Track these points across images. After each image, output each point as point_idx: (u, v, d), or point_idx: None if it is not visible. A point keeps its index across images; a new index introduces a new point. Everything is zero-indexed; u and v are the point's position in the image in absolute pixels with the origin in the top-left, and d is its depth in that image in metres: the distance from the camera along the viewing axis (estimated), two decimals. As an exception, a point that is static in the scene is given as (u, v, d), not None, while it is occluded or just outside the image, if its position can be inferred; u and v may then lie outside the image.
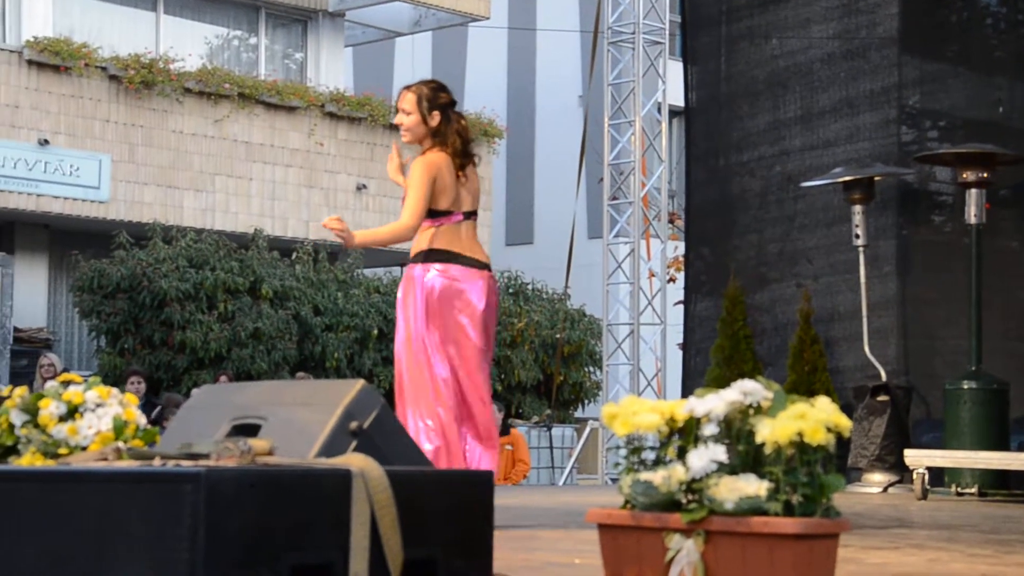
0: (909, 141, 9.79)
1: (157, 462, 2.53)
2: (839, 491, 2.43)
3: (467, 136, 5.39)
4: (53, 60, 15.07)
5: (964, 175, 8.49)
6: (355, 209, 16.87)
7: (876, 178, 9.18)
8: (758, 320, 10.01)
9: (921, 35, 9.76)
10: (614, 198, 13.33)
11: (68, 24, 16.14)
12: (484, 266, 5.38)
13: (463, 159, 5.33)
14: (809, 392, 8.33)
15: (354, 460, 2.57)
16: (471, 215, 5.38)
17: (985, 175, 8.42)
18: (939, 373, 8.98)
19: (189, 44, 16.96)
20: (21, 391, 2.89)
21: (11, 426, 2.85)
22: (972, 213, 8.44)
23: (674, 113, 15.04)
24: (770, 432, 2.37)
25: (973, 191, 8.44)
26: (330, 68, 18.27)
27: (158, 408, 11.44)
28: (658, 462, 2.50)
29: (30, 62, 15.05)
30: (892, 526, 5.72)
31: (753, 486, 2.37)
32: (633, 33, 13.11)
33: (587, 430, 13.96)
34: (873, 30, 9.79)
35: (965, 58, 9.65)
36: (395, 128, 5.64)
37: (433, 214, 5.30)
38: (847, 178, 9.14)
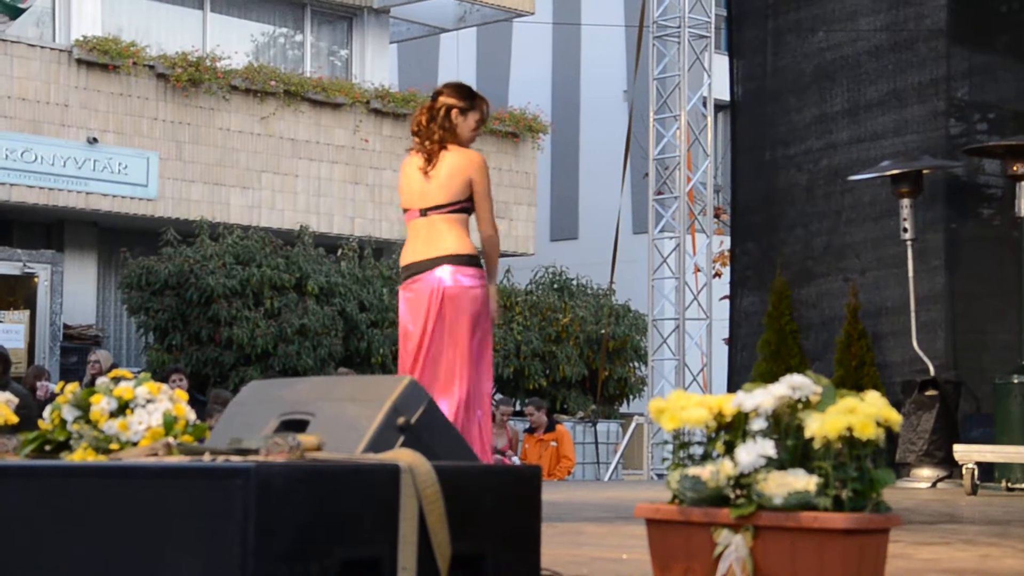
0: (958, 134, 9.70)
1: (207, 457, 2.55)
2: (889, 486, 2.42)
3: (421, 128, 5.34)
4: (102, 59, 15.20)
5: (1014, 168, 8.41)
6: (399, 205, 16.90)
7: (924, 171, 9.10)
8: (804, 315, 9.95)
9: (970, 26, 9.66)
10: (659, 193, 13.30)
11: (116, 23, 16.27)
12: (430, 264, 5.26)
13: (424, 151, 5.33)
14: (856, 387, 8.27)
15: (402, 455, 2.58)
16: (433, 209, 5.29)
17: (1035, 168, 8.33)
18: (988, 367, 8.90)
19: (235, 42, 17.06)
20: (72, 387, 2.92)
21: (63, 422, 2.88)
22: (1022, 206, 8.35)
23: (720, 107, 14.99)
24: (819, 427, 2.36)
25: (1023, 184, 8.36)
26: (375, 65, 18.33)
27: (202, 404, 11.49)
28: (706, 457, 2.49)
29: (79, 61, 15.19)
30: (942, 521, 5.67)
31: (802, 481, 2.36)
32: (678, 27, 13.06)
33: (632, 425, 13.94)
34: (921, 22, 9.70)
35: (1015, 49, 9.55)
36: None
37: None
38: (895, 171, 9.07)
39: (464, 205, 5.30)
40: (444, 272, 5.21)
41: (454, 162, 5.27)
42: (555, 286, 16.82)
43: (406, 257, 5.36)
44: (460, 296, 5.22)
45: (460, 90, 5.41)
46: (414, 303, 5.28)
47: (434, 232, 5.27)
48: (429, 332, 5.20)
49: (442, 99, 5.37)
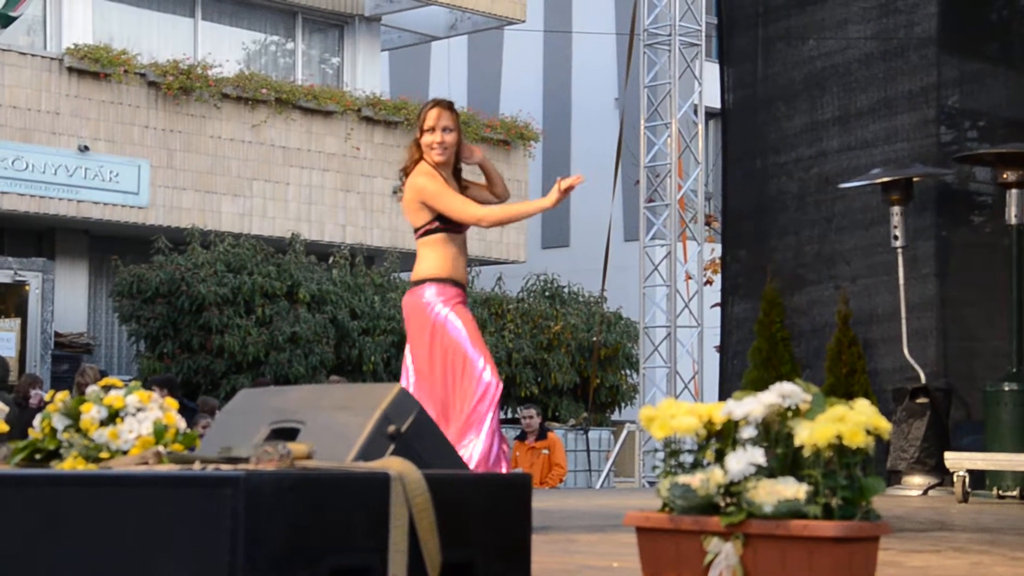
0: (948, 141, 9.72)
1: (197, 466, 2.55)
2: (879, 494, 2.42)
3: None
4: (93, 67, 15.19)
5: (1004, 175, 8.42)
6: (391, 213, 16.92)
7: (915, 179, 9.12)
8: (796, 322, 9.96)
9: (960, 34, 9.69)
10: (650, 200, 13.31)
11: (107, 31, 16.26)
12: (408, 288, 5.39)
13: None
14: (847, 394, 8.28)
15: (392, 463, 2.57)
16: (415, 233, 5.37)
17: (1025, 175, 8.35)
18: (979, 375, 8.91)
19: (227, 50, 17.05)
20: (63, 396, 2.91)
21: (53, 430, 2.87)
22: (1012, 213, 8.37)
23: (710, 115, 14.99)
24: (809, 435, 2.36)
25: (1013, 191, 8.37)
26: (366, 72, 18.33)
27: (192, 412, 11.46)
28: (696, 465, 2.49)
29: (70, 69, 15.18)
30: (933, 529, 5.67)
31: (792, 489, 2.36)
32: (669, 35, 13.08)
33: (624, 433, 13.93)
34: (911, 30, 9.73)
35: (1005, 57, 9.58)
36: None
37: None
38: (885, 179, 9.09)
39: (430, 227, 5.28)
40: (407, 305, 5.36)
41: (406, 190, 5.34)
42: (547, 294, 16.82)
43: None
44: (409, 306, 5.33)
45: None
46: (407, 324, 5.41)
47: (417, 257, 5.38)
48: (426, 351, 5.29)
49: None
